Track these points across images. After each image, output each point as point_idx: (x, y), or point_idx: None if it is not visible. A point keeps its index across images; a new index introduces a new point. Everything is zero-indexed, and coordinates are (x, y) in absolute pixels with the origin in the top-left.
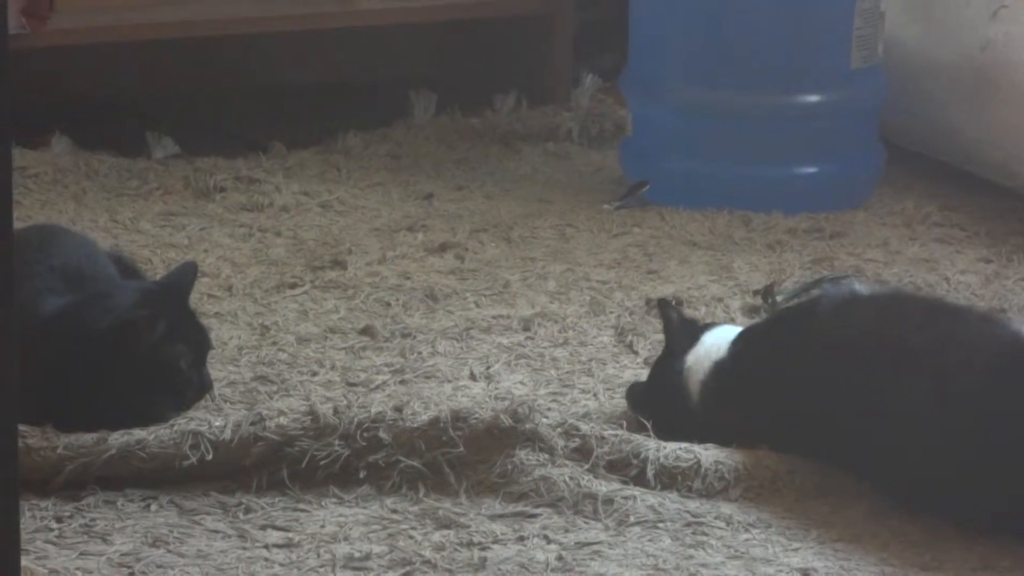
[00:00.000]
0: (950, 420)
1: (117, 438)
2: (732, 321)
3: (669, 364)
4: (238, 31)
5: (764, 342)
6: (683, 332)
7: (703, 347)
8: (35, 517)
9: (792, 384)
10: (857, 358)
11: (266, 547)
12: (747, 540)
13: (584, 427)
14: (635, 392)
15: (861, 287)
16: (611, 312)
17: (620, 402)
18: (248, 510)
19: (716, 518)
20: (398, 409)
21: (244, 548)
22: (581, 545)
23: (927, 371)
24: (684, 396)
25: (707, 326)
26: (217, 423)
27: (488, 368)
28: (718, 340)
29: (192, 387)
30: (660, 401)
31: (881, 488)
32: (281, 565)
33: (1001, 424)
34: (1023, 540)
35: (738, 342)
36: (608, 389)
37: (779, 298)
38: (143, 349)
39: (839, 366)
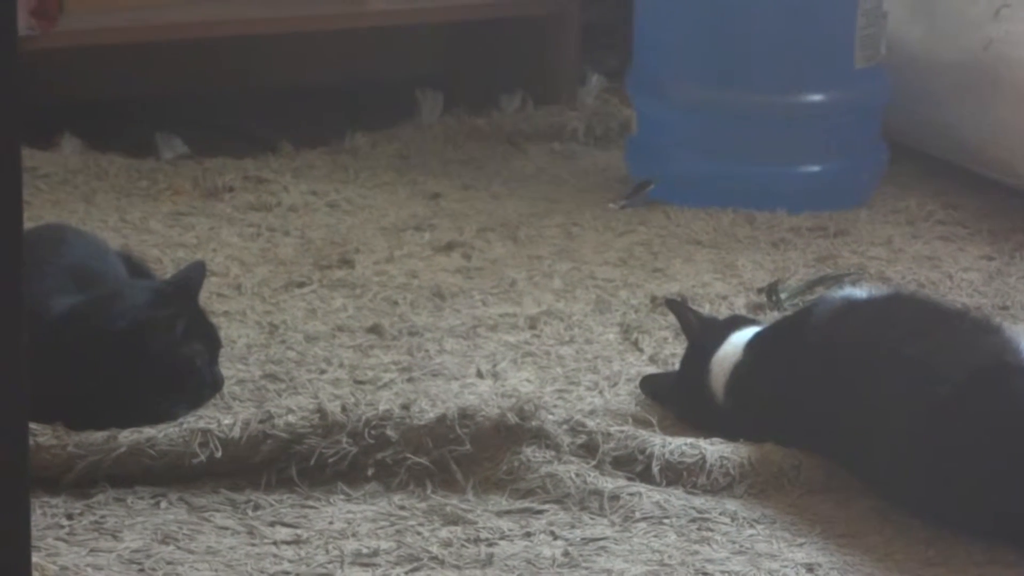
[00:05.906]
0: (929, 430)
1: (127, 436)
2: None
3: (696, 363)
4: (246, 32)
5: (769, 348)
6: (706, 331)
7: (727, 348)
8: (46, 514)
9: (795, 389)
10: (848, 366)
11: (275, 543)
12: (752, 536)
13: (590, 423)
14: (652, 383)
15: (858, 291)
16: (616, 310)
17: (626, 398)
18: (257, 507)
19: (721, 514)
20: (405, 407)
21: (253, 544)
22: (587, 541)
23: (913, 381)
24: (710, 395)
25: (733, 324)
26: (226, 421)
27: (495, 366)
28: (738, 343)
29: (207, 385)
30: (687, 396)
31: (876, 489)
32: (290, 561)
33: (973, 437)
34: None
35: (749, 348)
36: (613, 386)
37: (783, 296)
38: (161, 349)
39: (833, 374)
